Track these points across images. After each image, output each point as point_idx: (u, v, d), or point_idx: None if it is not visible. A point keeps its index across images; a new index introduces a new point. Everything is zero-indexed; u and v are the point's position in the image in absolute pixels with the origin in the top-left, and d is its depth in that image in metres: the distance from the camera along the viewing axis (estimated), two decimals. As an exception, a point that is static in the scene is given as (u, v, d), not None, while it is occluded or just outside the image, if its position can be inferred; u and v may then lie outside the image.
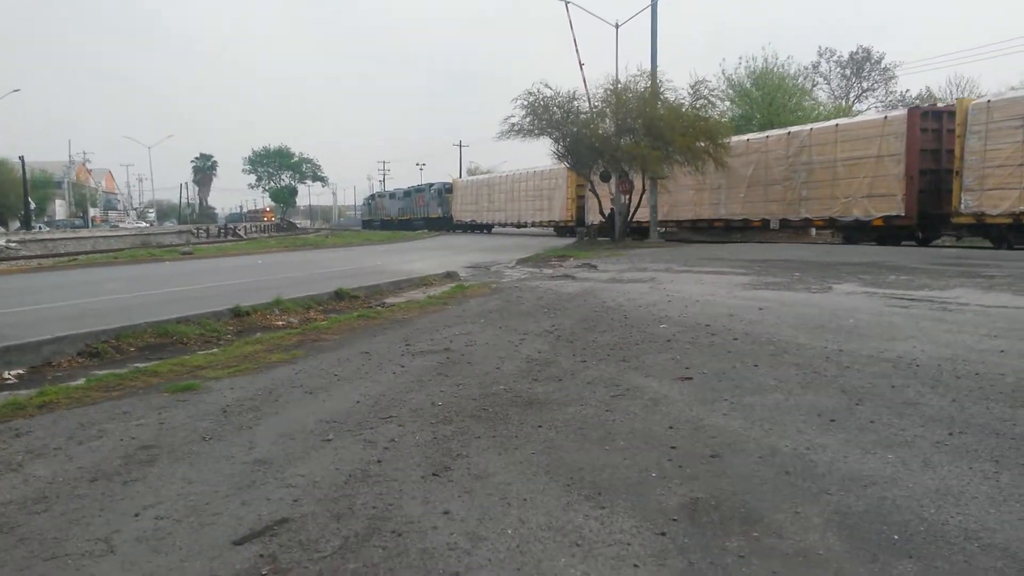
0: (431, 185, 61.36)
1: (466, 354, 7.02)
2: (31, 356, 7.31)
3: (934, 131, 21.73)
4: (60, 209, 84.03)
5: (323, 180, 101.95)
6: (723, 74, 44.43)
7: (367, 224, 75.91)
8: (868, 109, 48.50)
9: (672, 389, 5.35)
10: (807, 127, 26.30)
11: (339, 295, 12.46)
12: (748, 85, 43.86)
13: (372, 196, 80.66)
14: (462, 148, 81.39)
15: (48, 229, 55.36)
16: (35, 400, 5.56)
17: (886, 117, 22.90)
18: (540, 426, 4.57)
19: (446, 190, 56.47)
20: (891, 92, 53.47)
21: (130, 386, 6.13)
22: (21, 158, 58.12)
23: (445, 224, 54.30)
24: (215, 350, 7.98)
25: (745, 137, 28.33)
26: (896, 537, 2.88)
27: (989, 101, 20.07)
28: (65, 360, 7.52)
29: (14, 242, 35.70)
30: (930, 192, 21.40)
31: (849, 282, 11.66)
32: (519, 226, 44.90)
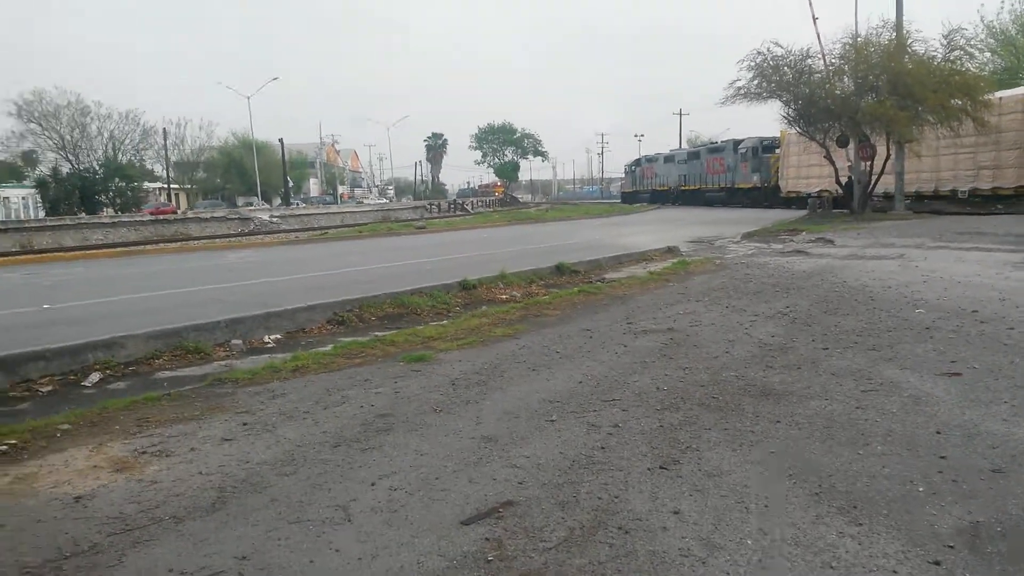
0: (738, 142, 41.75)
1: (691, 335, 6.68)
2: (287, 322, 8.08)
3: None
4: (313, 187, 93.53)
5: (543, 155, 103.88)
6: (982, 21, 38.71)
7: (629, 198, 59.28)
8: None
9: (936, 386, 4.67)
10: (997, 95, 22.98)
11: (560, 269, 12.54)
12: (1013, 32, 37.89)
13: (637, 162, 61.52)
14: (682, 116, 78.45)
15: (304, 205, 61.71)
16: (289, 364, 6.10)
17: None
18: (778, 421, 4.17)
19: (764, 148, 38.45)
20: None
21: (370, 354, 6.54)
22: (280, 140, 65.06)
23: (764, 197, 37.34)
24: (445, 322, 8.32)
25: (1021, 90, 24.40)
26: None
27: None
28: (315, 327, 8.22)
29: (276, 217, 40.28)
30: None
31: None
32: (933, 196, 26.51)
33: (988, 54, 36.30)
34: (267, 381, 5.67)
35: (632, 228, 25.39)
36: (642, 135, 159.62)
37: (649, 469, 3.56)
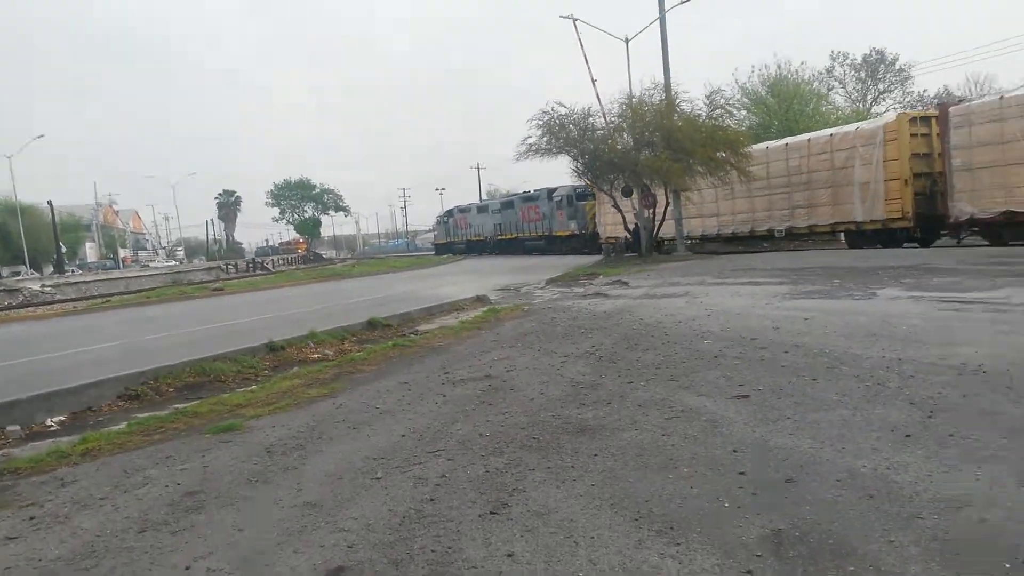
0: (552, 190, 41.90)
1: (508, 380, 6.85)
2: (72, 401, 7.27)
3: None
4: (91, 251, 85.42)
5: (345, 210, 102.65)
6: (736, 83, 44.26)
7: (443, 249, 58.74)
8: (887, 111, 47.74)
9: (729, 409, 5.13)
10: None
11: (372, 324, 12.38)
12: (763, 93, 43.67)
13: (449, 213, 60.39)
14: (480, 171, 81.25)
15: (80, 272, 56.09)
16: (78, 448, 5.49)
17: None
18: (596, 455, 4.37)
19: (578, 196, 39.02)
20: (908, 93, 52.66)
21: (172, 428, 6.04)
22: (49, 203, 59.03)
23: (583, 244, 37.26)
24: (253, 387, 7.90)
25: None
26: (1008, 566, 2.64)
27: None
28: (105, 404, 7.46)
29: (49, 286, 36.28)
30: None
31: (892, 287, 11.32)
32: (749, 237, 28.15)
33: (744, 112, 41.33)
34: (53, 468, 5.05)
35: (441, 279, 25.69)
36: (443, 188, 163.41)
37: (480, 515, 3.58)
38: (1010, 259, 14.43)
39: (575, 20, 30.05)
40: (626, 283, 16.73)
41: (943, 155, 20.63)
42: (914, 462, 3.75)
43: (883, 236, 22.34)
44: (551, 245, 41.14)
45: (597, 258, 30.03)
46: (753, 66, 49.29)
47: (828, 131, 26.20)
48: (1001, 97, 19.61)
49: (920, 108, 41.36)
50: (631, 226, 29.34)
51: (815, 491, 3.51)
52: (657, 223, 28.54)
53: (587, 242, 37.24)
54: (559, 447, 4.60)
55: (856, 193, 22.95)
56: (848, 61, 53.33)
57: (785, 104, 41.85)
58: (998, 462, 3.64)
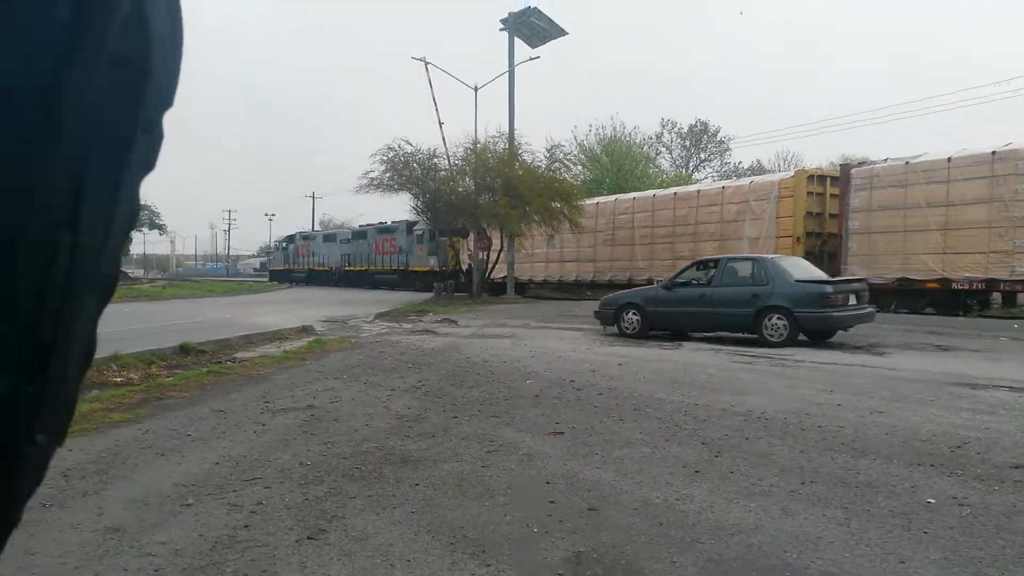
0: (412, 224, 37.62)
1: (331, 411, 6.80)
2: None
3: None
4: None
5: (161, 228, 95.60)
6: (575, 140, 47.02)
7: (280, 276, 54.38)
8: (706, 178, 52.68)
9: (545, 444, 5.44)
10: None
11: (184, 349, 11.68)
12: (598, 151, 46.63)
13: (290, 238, 55.88)
14: (315, 200, 79.48)
15: None
16: None
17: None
18: (417, 484, 4.49)
19: (441, 231, 33.60)
20: (726, 163, 58.62)
21: (-55, 450, 5.44)
22: None
23: (442, 280, 31.91)
24: (46, 408, 7.25)
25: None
26: (766, 581, 3.06)
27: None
28: None
29: None
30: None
31: (695, 339, 12.40)
32: (628, 285, 25.00)
33: (580, 167, 43.79)
34: None
35: (265, 307, 24.74)
36: (274, 214, 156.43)
37: (297, 541, 3.58)
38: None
39: (427, 63, 30.64)
40: (455, 322, 17.04)
41: (838, 216, 20.55)
42: (700, 495, 4.20)
43: None
44: (406, 280, 38.52)
45: (429, 296, 30.25)
46: (591, 125, 52.54)
47: (721, 183, 26.82)
48: (907, 162, 19.06)
49: (735, 178, 45.56)
50: (464, 266, 29.93)
51: (614, 518, 3.84)
52: (490, 265, 29.31)
53: (447, 279, 34.03)
54: (381, 476, 4.67)
55: (744, 248, 22.00)
56: (676, 129, 58.29)
57: (617, 163, 44.86)
58: (768, 496, 4.16)
